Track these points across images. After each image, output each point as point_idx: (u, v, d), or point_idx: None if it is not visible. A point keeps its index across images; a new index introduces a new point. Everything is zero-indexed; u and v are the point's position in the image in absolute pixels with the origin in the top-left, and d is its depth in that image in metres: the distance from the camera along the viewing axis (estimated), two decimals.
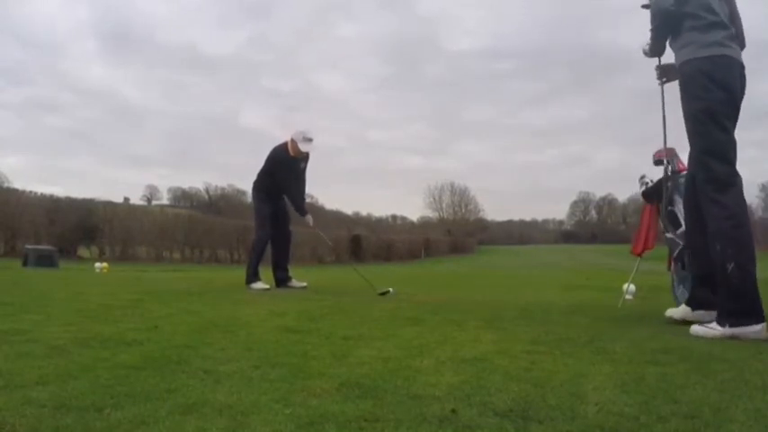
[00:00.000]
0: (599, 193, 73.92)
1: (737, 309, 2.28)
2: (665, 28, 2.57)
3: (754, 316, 2.26)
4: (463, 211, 61.86)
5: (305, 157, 5.00)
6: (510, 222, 76.08)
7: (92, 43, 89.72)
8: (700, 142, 2.46)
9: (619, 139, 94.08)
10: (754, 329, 2.23)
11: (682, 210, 3.25)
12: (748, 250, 2.32)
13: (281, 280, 5.03)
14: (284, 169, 4.93)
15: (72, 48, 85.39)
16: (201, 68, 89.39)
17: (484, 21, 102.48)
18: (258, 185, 5.11)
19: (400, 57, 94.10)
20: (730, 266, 2.27)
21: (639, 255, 3.56)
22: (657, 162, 3.54)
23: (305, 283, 5.08)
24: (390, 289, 4.62)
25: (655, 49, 2.71)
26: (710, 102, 2.40)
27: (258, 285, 4.76)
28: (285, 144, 4.98)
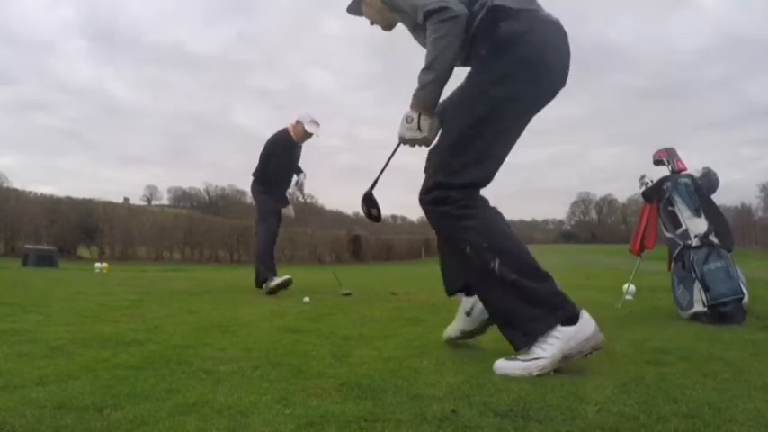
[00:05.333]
0: (599, 193, 74.07)
1: None
2: None
3: None
4: None
5: (302, 143, 4.88)
6: (510, 222, 75.95)
7: (80, 42, 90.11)
8: None
9: (615, 137, 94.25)
10: None
11: (682, 210, 3.25)
12: None
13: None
14: (282, 152, 4.80)
15: (60, 47, 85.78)
16: (190, 67, 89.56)
17: None
18: (258, 178, 4.91)
19: (389, 54, 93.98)
20: None
21: (638, 254, 3.56)
22: (657, 162, 3.55)
23: (288, 276, 4.61)
24: (350, 291, 4.46)
25: None
26: None
27: (277, 280, 4.44)
28: (285, 130, 4.87)
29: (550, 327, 1.62)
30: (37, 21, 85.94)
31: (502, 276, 1.65)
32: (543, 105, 1.83)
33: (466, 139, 1.72)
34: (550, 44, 1.72)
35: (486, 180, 1.78)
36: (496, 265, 1.65)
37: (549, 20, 1.75)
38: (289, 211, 4.94)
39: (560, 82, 1.79)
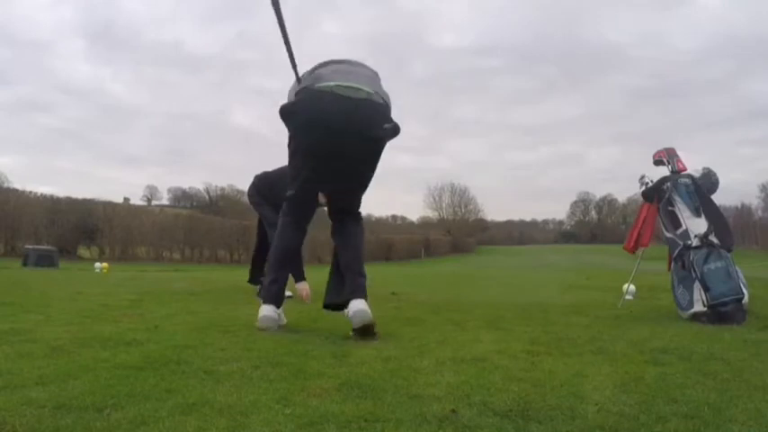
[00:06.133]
0: (599, 193, 74.05)
1: None
2: None
3: None
4: (463, 211, 61.80)
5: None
6: (510, 222, 75.97)
7: (79, 42, 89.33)
8: None
9: (614, 136, 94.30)
10: None
11: (682, 210, 3.25)
12: None
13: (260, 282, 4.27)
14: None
15: (60, 47, 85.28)
16: (190, 67, 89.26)
17: (468, 16, 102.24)
18: (261, 192, 4.41)
19: (386, 53, 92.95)
20: None
21: (632, 251, 3.56)
22: (657, 162, 3.55)
23: (290, 293, 4.10)
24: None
25: None
26: None
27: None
28: None
29: (262, 302, 2.48)
30: (37, 21, 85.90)
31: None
32: (345, 153, 2.33)
33: (291, 170, 2.54)
34: (318, 111, 2.27)
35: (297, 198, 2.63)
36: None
37: (327, 93, 2.25)
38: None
39: (343, 134, 2.27)
